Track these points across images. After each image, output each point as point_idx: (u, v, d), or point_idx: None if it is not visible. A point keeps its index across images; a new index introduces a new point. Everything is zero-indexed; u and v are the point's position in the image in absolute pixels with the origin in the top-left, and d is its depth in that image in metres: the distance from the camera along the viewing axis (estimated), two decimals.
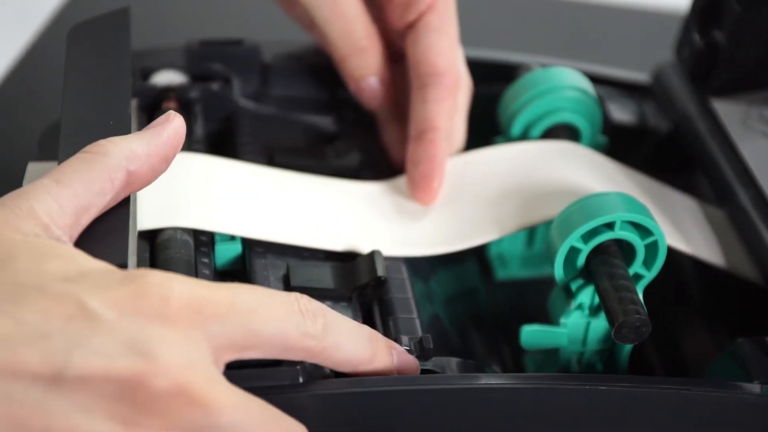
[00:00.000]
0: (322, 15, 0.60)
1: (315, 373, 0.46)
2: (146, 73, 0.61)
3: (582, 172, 0.57)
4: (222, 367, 0.42)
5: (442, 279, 0.59)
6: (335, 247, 0.54)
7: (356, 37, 0.60)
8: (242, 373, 0.44)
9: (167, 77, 0.61)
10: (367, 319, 0.52)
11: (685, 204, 0.61)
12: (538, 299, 0.60)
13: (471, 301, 0.61)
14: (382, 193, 0.58)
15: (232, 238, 0.53)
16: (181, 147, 0.48)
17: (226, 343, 0.42)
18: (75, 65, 0.53)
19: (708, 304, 0.60)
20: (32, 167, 0.53)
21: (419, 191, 0.57)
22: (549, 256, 0.52)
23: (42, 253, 0.41)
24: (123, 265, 0.44)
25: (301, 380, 0.45)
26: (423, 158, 0.57)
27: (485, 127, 0.62)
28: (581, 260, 0.52)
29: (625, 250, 0.52)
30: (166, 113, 0.48)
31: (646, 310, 0.49)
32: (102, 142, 0.46)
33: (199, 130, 0.59)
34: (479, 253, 0.62)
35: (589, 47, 0.87)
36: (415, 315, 0.52)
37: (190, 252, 0.51)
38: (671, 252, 0.53)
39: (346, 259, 0.54)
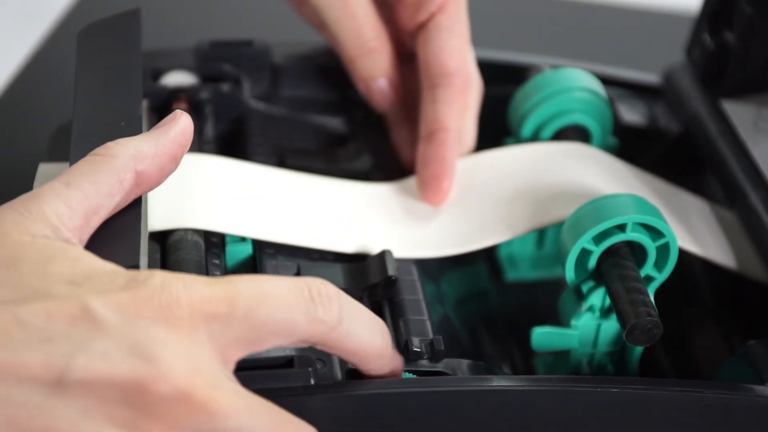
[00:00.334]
0: (332, 15, 0.60)
1: (326, 375, 0.46)
2: (156, 74, 0.61)
3: (593, 174, 0.57)
4: (232, 365, 0.42)
5: (451, 280, 0.59)
6: (345, 249, 0.54)
7: (366, 38, 0.60)
8: (254, 374, 0.44)
9: (177, 78, 0.61)
10: None
11: (695, 205, 0.61)
12: (547, 301, 0.60)
13: (481, 302, 0.61)
14: (392, 195, 0.58)
15: (243, 239, 0.53)
16: (189, 145, 0.48)
17: (232, 340, 0.41)
18: (86, 66, 0.53)
19: (719, 305, 0.60)
20: (43, 168, 0.53)
21: (429, 192, 0.57)
22: (560, 258, 0.52)
23: (49, 255, 0.41)
24: (134, 266, 0.43)
25: (312, 382, 0.45)
26: (433, 159, 0.57)
27: (495, 128, 0.62)
28: (592, 262, 0.52)
29: (637, 251, 0.52)
30: (173, 113, 0.48)
31: (657, 312, 0.49)
32: (110, 144, 0.46)
33: (210, 131, 0.59)
34: (489, 255, 0.62)
35: (599, 48, 0.87)
36: (425, 316, 0.52)
37: (201, 253, 0.51)
38: (682, 253, 0.53)
39: (356, 261, 0.54)
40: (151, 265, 0.49)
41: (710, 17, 0.63)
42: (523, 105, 0.60)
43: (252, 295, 0.42)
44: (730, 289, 0.59)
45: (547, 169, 0.58)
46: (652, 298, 0.51)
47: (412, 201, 0.58)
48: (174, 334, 0.40)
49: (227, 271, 0.52)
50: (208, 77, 0.61)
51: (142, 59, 0.53)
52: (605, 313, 0.52)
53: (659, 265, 0.52)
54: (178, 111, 0.48)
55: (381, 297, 0.53)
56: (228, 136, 0.61)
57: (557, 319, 0.54)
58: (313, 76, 0.64)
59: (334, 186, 0.58)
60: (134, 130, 0.48)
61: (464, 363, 0.50)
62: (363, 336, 0.44)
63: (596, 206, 0.51)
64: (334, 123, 0.63)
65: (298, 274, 0.52)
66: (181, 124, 0.47)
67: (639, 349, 0.53)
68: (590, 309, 0.52)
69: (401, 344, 0.50)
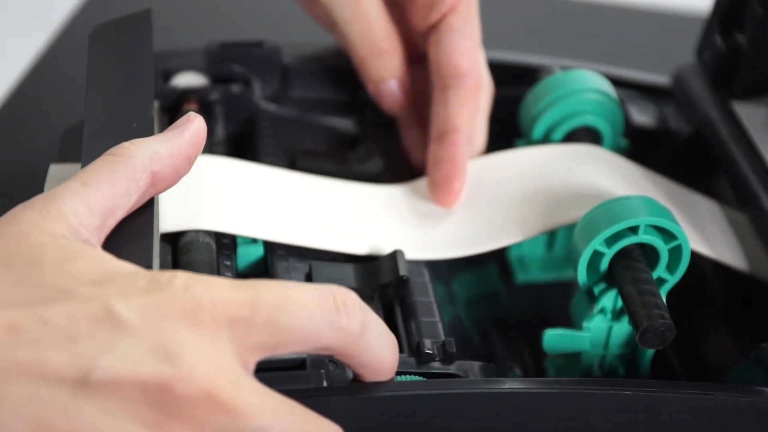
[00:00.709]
0: (343, 16, 0.60)
1: (339, 377, 0.46)
2: (167, 75, 0.61)
3: (604, 175, 0.57)
4: (252, 367, 0.42)
5: (462, 281, 0.59)
6: (356, 251, 0.54)
7: (376, 39, 0.60)
8: (266, 376, 0.43)
9: (188, 79, 0.61)
10: (389, 320, 0.52)
11: (707, 207, 0.61)
12: (558, 302, 0.60)
13: (491, 303, 0.60)
14: (402, 196, 0.58)
15: (254, 240, 0.53)
16: (202, 147, 0.48)
17: (253, 343, 0.41)
18: (97, 66, 0.53)
19: (730, 308, 0.60)
20: (54, 169, 0.53)
21: (440, 193, 0.57)
22: (572, 260, 0.52)
23: (70, 256, 0.41)
24: (147, 268, 0.43)
25: (325, 384, 0.45)
26: (444, 159, 0.57)
27: (506, 129, 0.62)
28: (604, 264, 0.51)
29: (649, 254, 0.52)
30: (187, 114, 0.48)
31: (670, 315, 0.49)
32: (125, 144, 0.46)
33: (220, 131, 0.59)
34: (499, 256, 0.61)
35: (609, 50, 0.87)
36: (437, 318, 0.52)
37: (212, 255, 0.51)
38: (693, 255, 0.53)
39: (367, 262, 0.54)
40: (162, 267, 0.49)
41: (721, 18, 0.63)
42: (534, 106, 0.60)
43: (275, 300, 0.42)
44: (741, 291, 0.59)
45: (558, 171, 0.58)
46: (664, 300, 0.51)
47: (423, 202, 0.58)
48: (197, 335, 0.40)
49: (238, 272, 0.52)
50: (218, 78, 0.61)
51: (153, 60, 0.53)
52: (617, 315, 0.52)
53: (671, 268, 0.52)
54: (191, 113, 0.48)
55: (392, 297, 0.53)
56: (238, 137, 0.61)
57: (567, 320, 0.54)
58: (324, 77, 0.64)
59: (345, 188, 0.58)
60: (146, 131, 0.48)
61: (476, 365, 0.50)
62: (380, 350, 0.45)
63: (608, 208, 0.51)
64: (345, 124, 0.62)
65: (309, 273, 0.52)
66: (195, 125, 0.47)
67: (650, 352, 0.53)
68: (602, 311, 0.52)
69: (413, 346, 0.50)
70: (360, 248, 0.54)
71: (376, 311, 0.52)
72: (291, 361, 0.45)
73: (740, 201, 0.60)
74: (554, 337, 0.52)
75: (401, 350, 0.49)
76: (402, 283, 0.52)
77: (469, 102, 0.58)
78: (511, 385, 0.48)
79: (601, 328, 0.52)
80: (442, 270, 0.56)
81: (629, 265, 0.51)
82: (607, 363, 0.53)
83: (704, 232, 0.58)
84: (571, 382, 0.49)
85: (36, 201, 0.43)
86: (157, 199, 0.48)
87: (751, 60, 0.62)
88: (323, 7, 0.60)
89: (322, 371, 0.45)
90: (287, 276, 0.52)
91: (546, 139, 0.61)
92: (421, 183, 0.59)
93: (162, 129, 0.49)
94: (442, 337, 0.50)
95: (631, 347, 0.53)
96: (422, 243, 0.56)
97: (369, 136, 0.62)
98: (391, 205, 0.57)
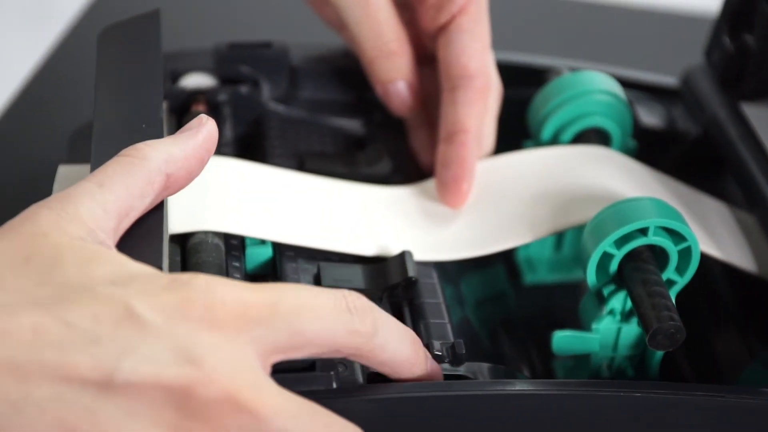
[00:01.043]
0: (353, 16, 0.59)
1: (348, 378, 0.46)
2: (175, 76, 0.61)
3: (613, 177, 0.57)
4: (269, 368, 0.42)
5: (470, 282, 0.59)
6: (365, 252, 0.54)
7: (385, 40, 0.60)
8: (276, 377, 0.43)
9: (196, 80, 0.61)
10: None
11: (715, 209, 0.60)
12: (566, 304, 0.60)
13: (499, 304, 0.60)
14: (410, 197, 0.58)
15: (263, 242, 0.53)
16: (214, 150, 0.48)
17: (272, 346, 0.42)
18: (106, 68, 0.53)
19: (739, 309, 0.60)
20: (63, 170, 0.53)
21: (449, 194, 0.57)
22: (581, 262, 0.52)
23: (89, 257, 0.42)
24: (157, 269, 0.43)
25: (334, 386, 0.45)
26: (453, 160, 0.57)
27: (514, 131, 0.62)
28: (614, 266, 0.51)
29: (658, 255, 0.52)
30: (199, 116, 0.48)
31: (679, 317, 0.49)
32: (140, 145, 0.46)
33: (228, 133, 0.59)
34: (507, 257, 0.61)
35: (617, 51, 0.87)
36: (446, 320, 0.52)
37: (221, 256, 0.51)
38: (702, 257, 0.53)
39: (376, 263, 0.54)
40: (172, 268, 0.49)
41: (730, 19, 0.63)
42: (543, 108, 0.60)
43: (294, 303, 0.42)
44: (750, 292, 0.59)
45: (567, 172, 0.58)
46: (673, 302, 0.51)
47: (431, 204, 0.58)
48: (218, 336, 0.40)
49: (247, 273, 0.52)
50: (226, 79, 0.61)
51: (162, 61, 0.53)
52: (626, 316, 0.52)
53: (681, 269, 0.52)
54: (203, 116, 0.48)
55: (401, 298, 0.53)
56: (246, 138, 0.61)
57: (575, 322, 0.54)
58: (332, 78, 0.64)
59: (353, 189, 0.57)
60: (155, 132, 0.48)
61: (485, 367, 0.50)
62: (395, 347, 0.45)
63: (618, 210, 0.51)
64: (353, 125, 0.62)
65: (318, 274, 0.52)
66: (208, 128, 0.48)
67: (659, 353, 0.53)
68: (611, 312, 0.52)
69: None
70: (368, 250, 0.54)
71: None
72: (301, 363, 0.45)
73: (749, 202, 0.60)
74: (564, 339, 0.52)
75: None
76: (411, 284, 0.52)
77: (478, 103, 0.58)
78: (521, 386, 0.48)
79: (610, 330, 0.52)
80: (451, 271, 0.56)
81: (639, 267, 0.51)
82: (616, 364, 0.53)
83: (713, 233, 0.58)
84: (580, 384, 0.49)
85: (52, 201, 0.43)
86: (167, 200, 0.48)
87: (760, 61, 0.61)
88: (333, 7, 0.60)
89: (332, 373, 0.45)
90: (296, 277, 0.52)
91: (554, 141, 0.61)
92: (429, 184, 0.58)
93: (170, 130, 0.49)
94: (452, 339, 0.50)
95: (640, 349, 0.53)
96: (430, 244, 0.56)
97: (377, 138, 0.62)
98: (399, 207, 0.57)
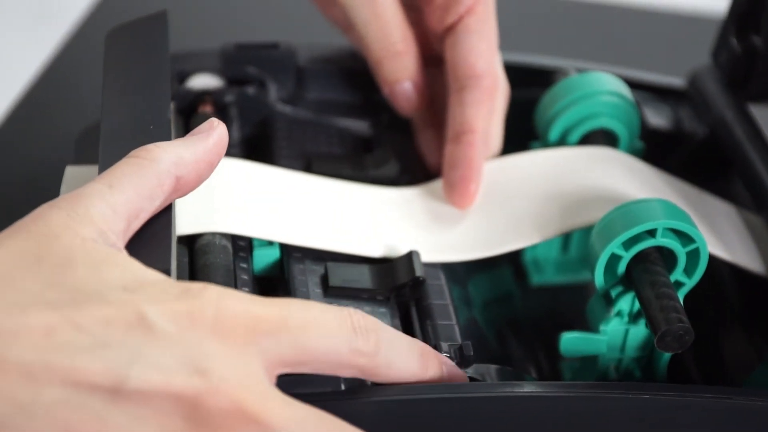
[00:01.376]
0: (360, 16, 0.59)
1: (356, 380, 0.46)
2: (182, 77, 0.61)
3: (621, 178, 0.57)
4: (274, 380, 0.42)
5: (478, 283, 0.59)
6: (372, 253, 0.54)
7: (392, 41, 0.60)
8: (284, 379, 0.44)
9: (203, 81, 0.61)
10: (405, 321, 0.52)
11: (723, 210, 0.60)
12: (573, 305, 0.60)
13: (506, 305, 0.60)
14: (417, 198, 0.58)
15: (270, 243, 0.53)
16: (224, 154, 0.48)
17: (279, 359, 0.42)
18: (113, 68, 0.53)
19: (747, 311, 0.60)
20: (70, 171, 0.53)
21: (456, 195, 0.57)
22: (589, 263, 0.52)
23: (101, 260, 0.41)
24: (166, 271, 0.43)
25: (342, 387, 0.45)
26: (460, 161, 0.57)
27: (522, 132, 0.62)
28: (622, 267, 0.51)
29: (666, 257, 0.51)
30: (210, 120, 0.48)
31: (688, 319, 0.49)
32: (150, 147, 0.46)
33: (235, 133, 0.59)
34: (514, 258, 0.61)
35: (625, 51, 0.87)
36: (454, 321, 0.52)
37: (228, 257, 0.51)
38: (710, 258, 0.53)
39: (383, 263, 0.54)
40: (179, 270, 0.49)
41: (737, 20, 0.63)
42: (550, 109, 0.60)
43: (303, 319, 0.42)
44: (758, 294, 0.59)
45: (574, 173, 0.58)
46: (681, 303, 0.51)
47: (438, 204, 0.58)
48: (227, 347, 0.40)
49: (255, 274, 0.52)
50: (233, 80, 0.61)
51: (169, 62, 0.53)
52: (633, 318, 0.52)
53: (689, 271, 0.52)
54: (214, 119, 0.48)
55: (408, 298, 0.53)
56: (253, 139, 0.61)
57: (582, 323, 0.54)
58: (339, 78, 0.64)
59: (360, 190, 0.57)
60: (163, 133, 0.48)
61: (492, 368, 0.50)
62: (401, 366, 0.45)
63: (626, 211, 0.51)
64: (360, 126, 0.62)
65: (325, 274, 0.52)
66: (218, 132, 0.47)
67: (667, 355, 0.53)
68: (619, 314, 0.52)
69: None
70: (375, 251, 0.54)
71: (392, 313, 0.52)
72: None
73: (756, 203, 0.60)
74: (571, 340, 0.52)
75: None
76: (418, 284, 0.52)
77: (485, 103, 0.58)
78: (528, 388, 0.48)
79: (618, 331, 0.52)
80: (458, 272, 0.56)
81: (647, 269, 0.51)
82: (624, 366, 0.53)
83: (721, 234, 0.57)
84: (587, 386, 0.49)
85: (63, 201, 0.43)
86: (174, 201, 0.48)
87: (767, 62, 0.61)
88: (340, 7, 0.60)
89: None
90: (303, 278, 0.52)
91: (562, 142, 0.60)
92: (437, 185, 0.58)
93: (178, 131, 0.49)
94: (459, 341, 0.50)
95: (648, 350, 0.53)
96: (438, 245, 0.56)
97: (384, 138, 0.62)
98: (406, 208, 0.57)
